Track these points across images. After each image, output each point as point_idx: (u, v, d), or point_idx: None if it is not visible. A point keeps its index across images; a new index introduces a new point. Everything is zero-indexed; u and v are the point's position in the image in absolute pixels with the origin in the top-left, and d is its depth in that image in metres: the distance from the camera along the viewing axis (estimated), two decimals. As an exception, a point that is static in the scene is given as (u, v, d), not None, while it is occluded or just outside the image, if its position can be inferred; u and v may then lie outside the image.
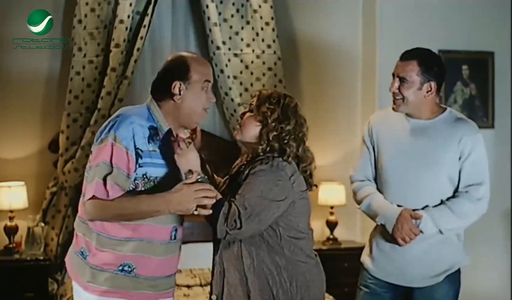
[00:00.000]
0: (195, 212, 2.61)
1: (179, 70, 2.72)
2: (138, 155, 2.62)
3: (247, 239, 2.74)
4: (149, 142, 2.66)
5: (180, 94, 2.70)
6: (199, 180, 2.62)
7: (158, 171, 2.67)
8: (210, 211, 2.61)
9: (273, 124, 2.80)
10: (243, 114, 2.91)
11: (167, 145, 2.71)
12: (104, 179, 2.59)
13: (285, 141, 2.79)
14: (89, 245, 2.69)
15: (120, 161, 2.60)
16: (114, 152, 2.60)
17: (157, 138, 2.69)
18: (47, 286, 4.90)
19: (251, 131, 2.85)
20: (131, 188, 2.63)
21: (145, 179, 2.65)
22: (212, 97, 2.79)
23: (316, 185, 2.95)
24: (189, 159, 2.66)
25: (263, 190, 2.69)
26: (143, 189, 2.64)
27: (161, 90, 2.74)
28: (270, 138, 2.79)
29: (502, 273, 5.93)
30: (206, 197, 2.60)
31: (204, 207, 2.60)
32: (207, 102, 2.76)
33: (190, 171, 2.64)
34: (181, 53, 2.84)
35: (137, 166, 2.62)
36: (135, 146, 2.62)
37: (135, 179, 2.63)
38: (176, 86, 2.70)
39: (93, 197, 2.60)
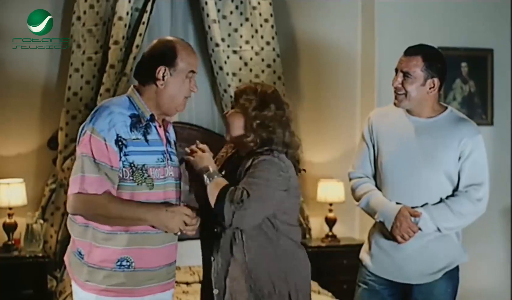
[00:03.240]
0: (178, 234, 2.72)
1: (166, 55, 2.69)
2: (122, 144, 2.61)
3: (249, 233, 2.78)
4: (131, 131, 2.64)
5: (163, 80, 2.68)
6: (215, 177, 2.73)
7: (144, 158, 2.65)
8: (193, 233, 2.73)
9: (253, 112, 2.85)
10: (227, 112, 2.97)
11: (151, 131, 2.70)
12: (86, 173, 2.58)
13: (270, 129, 2.84)
14: (85, 245, 2.66)
15: (100, 154, 2.58)
16: (93, 144, 2.59)
17: (140, 125, 2.67)
18: (46, 283, 4.90)
19: (236, 125, 2.89)
20: (118, 177, 2.62)
21: (133, 167, 2.62)
22: (195, 87, 2.76)
23: (304, 170, 3.03)
24: (203, 158, 2.78)
25: (269, 178, 2.74)
26: (131, 178, 2.62)
27: (145, 73, 2.72)
28: (254, 126, 2.84)
29: (501, 270, 5.94)
30: (190, 225, 2.69)
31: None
32: (189, 91, 2.75)
33: (206, 168, 2.76)
34: (170, 37, 2.81)
35: (122, 155, 2.61)
36: (117, 135, 2.60)
37: (123, 168, 2.61)
38: (161, 71, 2.67)
39: (78, 193, 2.58)
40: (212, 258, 2.83)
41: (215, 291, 2.82)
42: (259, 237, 2.79)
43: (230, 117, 2.92)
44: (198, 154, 2.82)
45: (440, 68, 3.23)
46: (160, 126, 2.75)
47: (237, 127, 2.89)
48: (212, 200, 2.71)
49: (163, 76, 2.68)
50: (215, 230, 2.81)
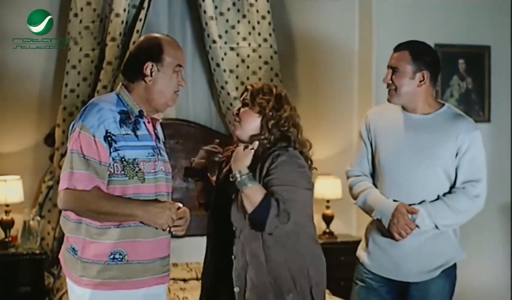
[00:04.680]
0: (167, 230, 2.73)
1: (152, 51, 2.72)
2: (111, 140, 2.63)
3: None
4: (121, 126, 2.67)
5: (151, 76, 2.71)
6: (243, 177, 2.74)
7: (135, 153, 2.68)
8: (182, 233, 2.75)
9: (271, 113, 2.88)
10: (238, 110, 2.97)
11: (140, 127, 2.73)
12: (75, 169, 2.61)
13: (286, 128, 2.88)
14: (78, 241, 2.68)
15: (89, 150, 2.61)
16: (82, 140, 2.62)
17: (129, 121, 2.70)
18: (43, 280, 4.89)
19: (252, 123, 2.91)
20: (109, 173, 2.64)
21: (124, 162, 2.65)
22: (182, 80, 2.79)
23: (316, 168, 3.06)
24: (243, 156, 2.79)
25: (295, 180, 2.79)
26: (123, 172, 2.65)
27: (133, 70, 2.75)
28: (269, 126, 2.87)
29: (500, 267, 5.94)
30: (179, 226, 2.72)
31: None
32: (177, 85, 2.78)
33: (241, 169, 2.77)
34: (155, 34, 2.84)
35: (112, 150, 2.63)
36: (106, 131, 2.63)
37: (114, 163, 2.64)
38: (148, 67, 2.70)
39: (67, 188, 2.61)
40: (233, 257, 2.84)
41: (236, 289, 2.83)
42: (278, 235, 2.81)
43: (245, 115, 2.92)
44: (239, 150, 2.82)
45: (429, 61, 3.25)
46: (149, 122, 2.78)
47: (253, 126, 2.91)
48: (250, 206, 2.73)
49: (151, 72, 2.71)
50: (234, 228, 2.83)
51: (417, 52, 3.25)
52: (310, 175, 2.90)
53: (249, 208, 2.74)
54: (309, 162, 2.96)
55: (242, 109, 2.94)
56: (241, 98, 2.98)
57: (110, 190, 2.65)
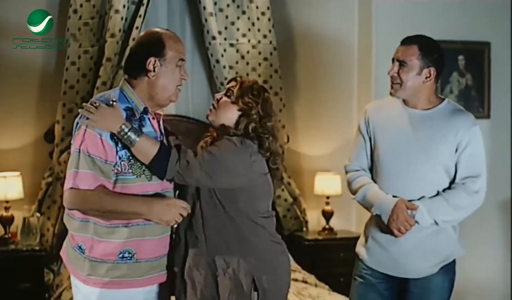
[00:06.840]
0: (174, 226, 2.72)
1: (154, 47, 2.70)
2: (117, 139, 2.61)
3: (210, 212, 2.76)
4: None
5: (154, 71, 2.69)
6: (129, 132, 2.58)
7: None
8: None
9: (255, 116, 2.83)
10: (220, 97, 2.90)
11: (145, 124, 2.71)
12: (79, 169, 2.59)
13: (265, 135, 2.83)
14: (86, 240, 2.67)
15: (95, 148, 2.59)
16: (88, 139, 2.60)
17: (135, 118, 2.68)
18: (43, 276, 4.90)
19: (229, 115, 2.85)
20: (116, 171, 2.62)
21: (131, 160, 2.64)
22: (185, 74, 2.78)
23: (282, 178, 2.99)
24: (105, 118, 2.61)
25: (223, 154, 2.70)
26: (130, 170, 2.63)
27: (135, 67, 2.73)
28: (250, 129, 2.81)
29: (499, 263, 5.94)
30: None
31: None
32: (180, 79, 2.76)
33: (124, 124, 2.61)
34: (155, 29, 2.81)
35: (119, 149, 2.62)
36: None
37: (121, 162, 2.62)
38: (151, 62, 2.68)
39: (72, 188, 2.59)
40: (173, 236, 2.82)
41: (175, 269, 2.80)
42: (219, 218, 2.76)
43: (224, 106, 2.87)
44: (101, 110, 2.61)
45: (436, 58, 3.23)
46: (153, 118, 2.77)
47: (229, 118, 2.85)
48: (146, 158, 2.63)
49: (154, 67, 2.69)
50: None
51: (426, 48, 3.21)
52: (255, 165, 2.78)
53: (146, 159, 2.63)
54: (276, 169, 2.89)
55: (223, 99, 2.88)
56: (227, 87, 2.91)
57: (117, 189, 2.64)
